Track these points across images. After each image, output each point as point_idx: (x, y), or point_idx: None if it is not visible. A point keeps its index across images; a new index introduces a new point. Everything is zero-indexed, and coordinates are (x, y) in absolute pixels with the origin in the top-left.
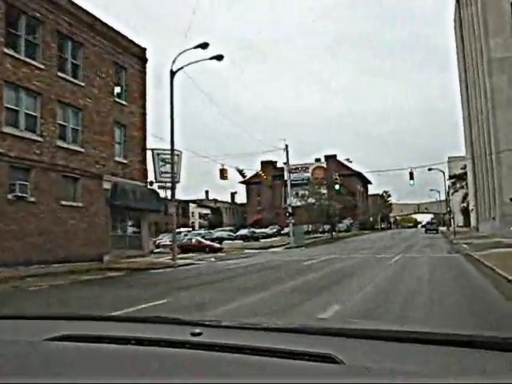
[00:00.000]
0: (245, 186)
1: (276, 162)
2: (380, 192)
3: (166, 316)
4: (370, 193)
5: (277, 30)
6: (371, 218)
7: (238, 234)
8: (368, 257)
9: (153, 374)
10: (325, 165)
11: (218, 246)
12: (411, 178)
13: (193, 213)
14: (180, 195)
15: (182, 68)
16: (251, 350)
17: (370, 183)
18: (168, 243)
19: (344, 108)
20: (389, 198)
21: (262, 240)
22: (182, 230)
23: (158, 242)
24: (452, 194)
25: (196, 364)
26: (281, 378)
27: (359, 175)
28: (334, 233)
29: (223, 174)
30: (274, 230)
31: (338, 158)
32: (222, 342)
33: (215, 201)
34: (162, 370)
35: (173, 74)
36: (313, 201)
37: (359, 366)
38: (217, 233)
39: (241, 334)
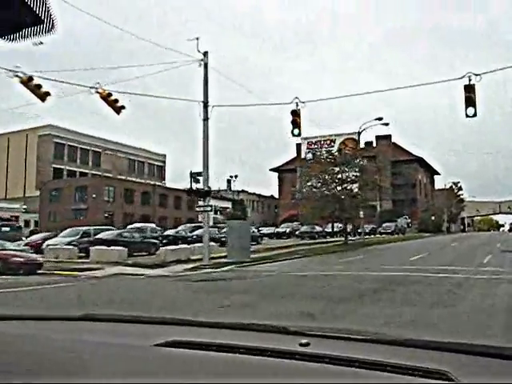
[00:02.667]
0: (277, 173)
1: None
2: (449, 185)
3: (274, 324)
4: (437, 187)
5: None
6: (433, 217)
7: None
8: None
9: None
10: (356, 136)
11: (39, 259)
12: None
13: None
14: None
15: None
16: (359, 362)
17: (437, 173)
18: None
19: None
20: (459, 192)
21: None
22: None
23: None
24: None
25: (305, 375)
26: None
27: (421, 162)
28: (354, 236)
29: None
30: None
31: (394, 141)
32: (329, 354)
33: (237, 192)
34: (270, 380)
35: None
36: (318, 184)
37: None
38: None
39: (349, 346)
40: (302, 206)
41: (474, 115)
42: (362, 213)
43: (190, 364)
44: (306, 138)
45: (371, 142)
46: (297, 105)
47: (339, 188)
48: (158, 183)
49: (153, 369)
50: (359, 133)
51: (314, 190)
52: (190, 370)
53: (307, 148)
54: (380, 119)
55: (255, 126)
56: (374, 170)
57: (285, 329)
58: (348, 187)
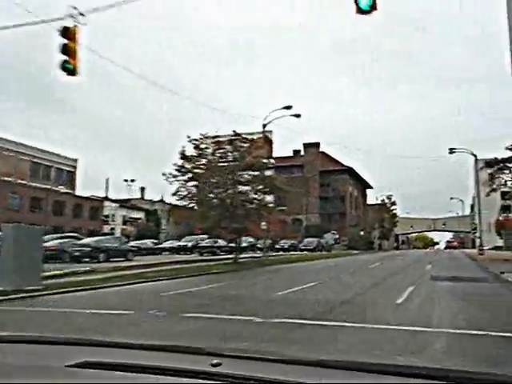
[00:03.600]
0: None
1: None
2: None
3: (188, 345)
4: (370, 202)
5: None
6: (362, 233)
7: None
8: None
9: None
10: (271, 136)
11: None
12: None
13: (113, 216)
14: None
15: None
16: (270, 383)
17: (370, 187)
18: None
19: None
20: (392, 207)
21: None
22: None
23: None
24: (489, 193)
25: None
26: None
27: (351, 173)
28: (262, 251)
29: None
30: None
31: (325, 151)
32: (240, 374)
33: (152, 202)
34: None
35: None
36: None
37: None
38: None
39: (262, 367)
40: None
41: None
42: (264, 223)
43: None
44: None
45: (299, 151)
46: (74, 20)
47: (229, 192)
48: (54, 188)
49: None
50: (264, 125)
51: (197, 193)
52: None
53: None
54: (289, 108)
55: None
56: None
57: (198, 349)
58: (240, 190)
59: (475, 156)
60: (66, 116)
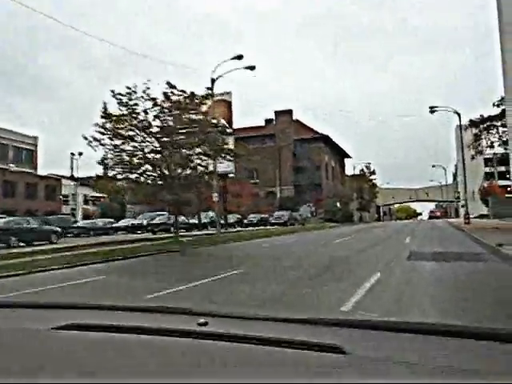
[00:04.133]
0: None
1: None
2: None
3: (174, 306)
4: (350, 173)
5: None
6: (338, 204)
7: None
8: None
9: (157, 363)
10: (228, 98)
11: None
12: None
13: (73, 195)
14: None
15: None
16: (257, 340)
17: (348, 156)
18: None
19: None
20: (372, 177)
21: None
22: None
23: None
24: (474, 156)
25: (201, 354)
26: (284, 367)
27: (327, 141)
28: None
29: None
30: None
31: (298, 118)
32: (227, 332)
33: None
34: (167, 359)
35: None
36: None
37: (364, 356)
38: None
39: (248, 325)
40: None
41: None
42: (215, 195)
43: (89, 345)
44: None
45: (271, 120)
46: None
47: (163, 155)
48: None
49: (51, 352)
50: (213, 80)
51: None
52: (89, 352)
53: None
54: (240, 58)
55: None
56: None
57: (185, 310)
58: (179, 153)
59: (458, 114)
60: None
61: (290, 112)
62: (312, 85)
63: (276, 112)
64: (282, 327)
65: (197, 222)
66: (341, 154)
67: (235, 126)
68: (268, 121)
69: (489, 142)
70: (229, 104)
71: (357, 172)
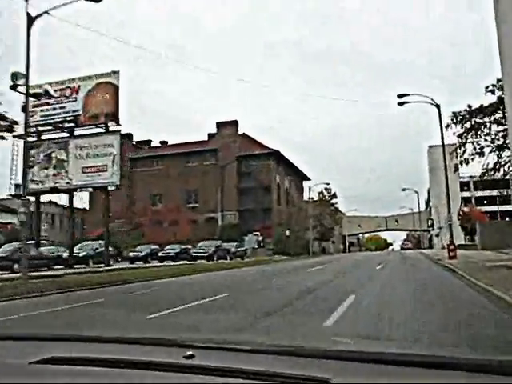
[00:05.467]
0: None
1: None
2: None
3: (160, 337)
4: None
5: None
6: (287, 233)
7: None
8: None
9: None
10: (115, 80)
11: None
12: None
13: None
14: None
15: None
16: (245, 373)
17: (307, 178)
18: None
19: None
20: (333, 201)
21: None
22: None
23: None
24: (457, 166)
25: None
26: None
27: (279, 158)
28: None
29: None
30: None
31: (247, 133)
32: (214, 366)
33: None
34: None
35: None
36: None
37: None
38: None
39: (236, 357)
40: None
41: None
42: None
43: (70, 381)
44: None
45: (214, 134)
46: None
47: None
48: None
49: None
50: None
51: None
52: None
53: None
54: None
55: None
56: None
57: (171, 341)
58: None
59: (438, 106)
60: None
61: (235, 123)
62: (270, 110)
63: (218, 124)
64: (270, 359)
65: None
66: (298, 175)
67: (175, 140)
68: (212, 135)
69: (477, 148)
70: (115, 89)
71: (315, 195)
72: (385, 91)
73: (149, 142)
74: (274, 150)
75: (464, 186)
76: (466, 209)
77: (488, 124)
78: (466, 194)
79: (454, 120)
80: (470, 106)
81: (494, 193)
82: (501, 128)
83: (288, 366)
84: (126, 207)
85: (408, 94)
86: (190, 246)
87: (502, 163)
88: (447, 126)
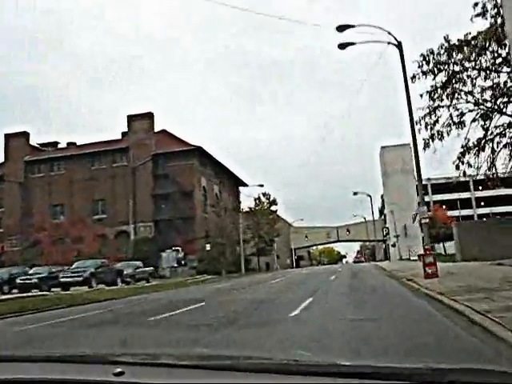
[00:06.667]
0: None
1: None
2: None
3: (88, 354)
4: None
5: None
6: (207, 246)
7: None
8: None
9: None
10: None
11: None
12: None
13: None
14: None
15: None
16: None
17: (244, 184)
18: None
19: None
20: (273, 208)
21: None
22: None
23: None
24: (428, 143)
25: None
26: None
27: (203, 157)
28: None
29: None
30: None
31: (167, 129)
32: (143, 383)
33: None
34: None
35: None
36: None
37: None
38: None
39: (166, 373)
40: None
41: None
42: None
43: None
44: None
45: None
46: None
47: None
48: None
49: None
50: None
51: None
52: None
53: None
54: None
55: None
56: None
57: (101, 358)
58: None
59: (399, 45)
60: None
61: (149, 116)
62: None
63: (130, 117)
64: (203, 374)
65: None
66: (232, 180)
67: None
68: (125, 133)
69: (454, 116)
70: None
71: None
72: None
73: (55, 143)
74: (195, 146)
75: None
76: (429, 212)
77: (473, 74)
78: (426, 199)
79: (424, 67)
80: (447, 40)
81: (455, 196)
82: (488, 83)
83: (221, 380)
84: (19, 221)
85: (353, 26)
86: (59, 268)
87: (489, 137)
88: (413, 78)
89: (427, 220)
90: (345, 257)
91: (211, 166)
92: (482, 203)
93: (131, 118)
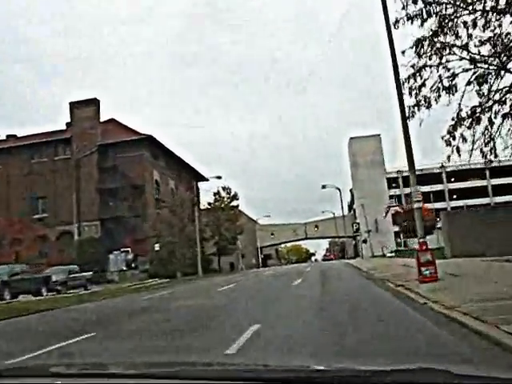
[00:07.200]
0: None
1: None
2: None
3: (26, 366)
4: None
5: None
6: (156, 246)
7: None
8: None
9: None
10: None
11: None
12: None
13: None
14: None
15: None
16: None
17: (204, 179)
18: None
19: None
20: (235, 203)
21: None
22: None
23: None
24: (413, 111)
25: None
26: None
27: (154, 146)
28: None
29: None
30: None
31: (116, 118)
32: None
33: None
34: None
35: None
36: None
37: None
38: None
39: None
40: None
41: None
42: None
43: None
44: None
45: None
46: None
47: None
48: None
49: None
50: None
51: None
52: None
53: None
54: None
55: None
56: None
57: (40, 371)
58: None
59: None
60: None
61: (94, 103)
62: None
63: (72, 104)
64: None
65: None
66: (191, 175)
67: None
68: (70, 124)
69: (444, 76)
70: None
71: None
72: None
73: None
74: (146, 134)
75: (392, 182)
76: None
77: (470, 19)
78: (396, 192)
79: (411, 7)
80: None
81: (427, 189)
82: (488, 34)
83: None
84: None
85: None
86: None
87: (486, 106)
88: (396, 23)
89: (421, 204)
90: (314, 255)
91: (165, 158)
92: (455, 196)
93: (74, 106)
